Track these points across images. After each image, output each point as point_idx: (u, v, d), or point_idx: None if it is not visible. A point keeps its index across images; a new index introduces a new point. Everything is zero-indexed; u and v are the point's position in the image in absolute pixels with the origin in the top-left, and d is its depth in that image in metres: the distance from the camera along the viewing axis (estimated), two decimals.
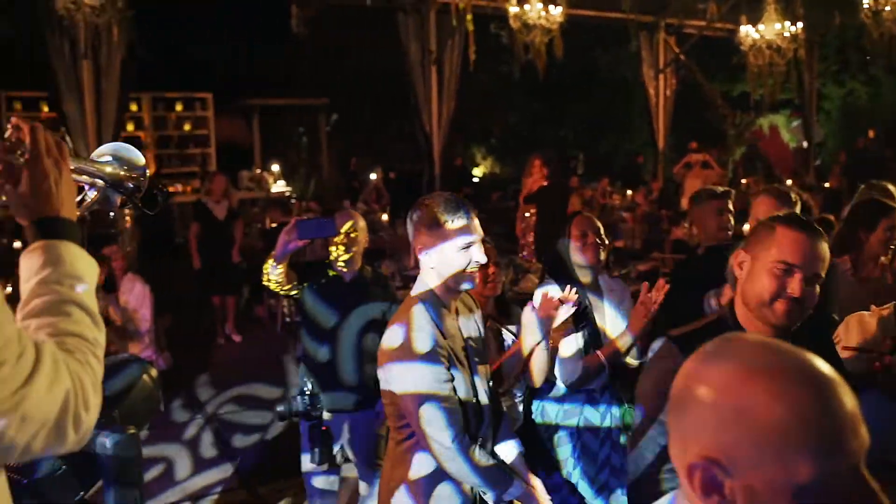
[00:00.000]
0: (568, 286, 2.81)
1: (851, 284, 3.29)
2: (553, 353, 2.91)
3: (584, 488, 3.01)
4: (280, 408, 3.25)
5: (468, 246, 2.24)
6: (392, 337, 2.26)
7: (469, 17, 9.27)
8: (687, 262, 4.60)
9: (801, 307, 1.84)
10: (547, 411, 3.10)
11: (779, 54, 11.04)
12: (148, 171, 1.56)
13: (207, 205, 7.71)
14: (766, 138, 17.08)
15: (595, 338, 3.06)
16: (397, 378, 2.24)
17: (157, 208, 1.61)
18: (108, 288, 5.78)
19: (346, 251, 3.50)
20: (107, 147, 1.57)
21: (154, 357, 5.85)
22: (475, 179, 17.57)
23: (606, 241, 3.18)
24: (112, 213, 1.63)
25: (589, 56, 16.68)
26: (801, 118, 14.59)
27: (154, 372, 2.73)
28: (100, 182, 1.51)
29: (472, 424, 2.29)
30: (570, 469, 3.03)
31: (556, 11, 9.42)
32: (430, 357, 2.19)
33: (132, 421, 2.51)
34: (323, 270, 3.57)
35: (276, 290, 3.53)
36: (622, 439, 3.05)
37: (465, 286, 2.30)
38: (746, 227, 4.32)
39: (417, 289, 2.34)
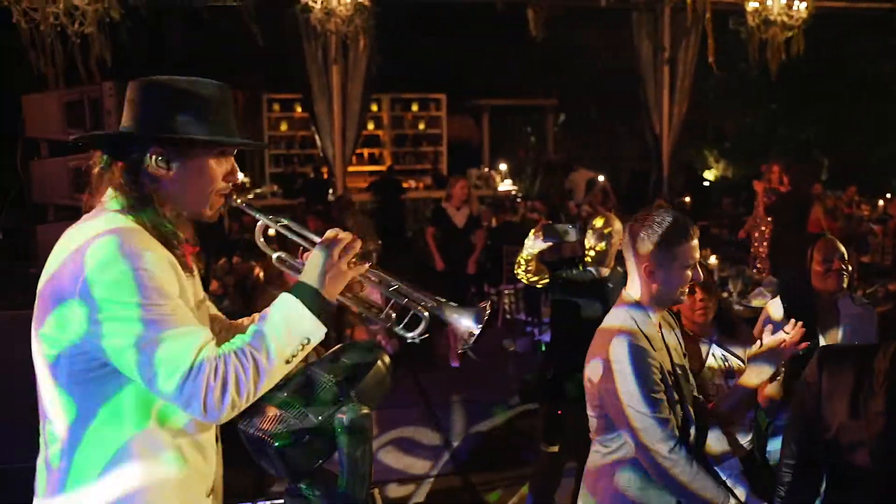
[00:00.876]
0: (791, 321, 2.40)
1: None
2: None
3: None
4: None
5: (690, 267, 2.26)
6: (605, 346, 2.27)
7: (708, 15, 8.89)
8: None
9: None
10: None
11: None
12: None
13: (447, 210, 7.34)
14: None
15: None
16: (610, 388, 2.24)
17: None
18: None
19: (599, 250, 3.63)
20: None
21: (385, 341, 6.25)
22: (705, 183, 16.84)
23: (850, 267, 2.99)
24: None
25: (835, 50, 15.27)
26: None
27: (387, 358, 2.96)
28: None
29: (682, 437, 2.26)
30: None
31: (801, 6, 8.77)
32: (643, 368, 2.19)
33: (365, 401, 2.75)
34: (575, 266, 3.72)
35: (525, 280, 3.73)
36: None
37: (676, 303, 2.36)
38: None
39: (629, 299, 2.35)
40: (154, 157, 1.66)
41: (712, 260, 6.04)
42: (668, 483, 2.19)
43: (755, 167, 12.42)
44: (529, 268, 3.67)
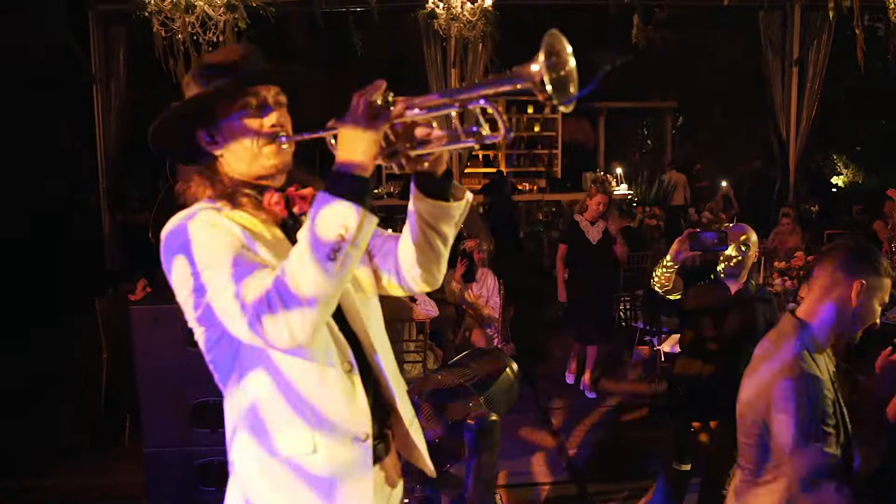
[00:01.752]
0: None
1: None
2: None
3: None
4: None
5: (882, 304, 2.21)
6: (774, 373, 2.20)
7: (856, 9, 8.39)
8: None
9: None
10: None
11: None
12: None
13: (580, 224, 6.20)
14: None
15: None
16: (778, 418, 2.16)
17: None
18: (467, 278, 6.39)
19: (735, 263, 3.54)
20: None
21: (501, 345, 6.30)
22: (833, 190, 16.06)
23: None
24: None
25: None
26: None
27: (515, 366, 3.02)
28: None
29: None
30: None
31: None
32: (816, 401, 2.11)
33: (494, 408, 2.80)
34: (708, 276, 3.65)
35: (660, 292, 3.67)
36: None
37: (852, 336, 2.26)
38: None
39: (804, 324, 2.26)
40: (201, 137, 1.76)
41: None
42: None
43: (889, 174, 11.73)
44: (668, 278, 3.59)
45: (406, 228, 1.81)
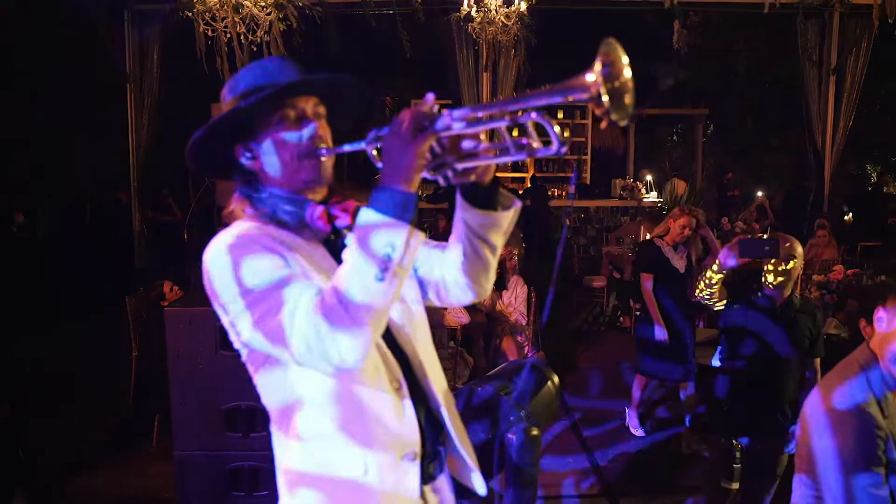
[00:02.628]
0: None
1: None
2: None
3: None
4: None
5: None
6: (830, 394, 2.15)
7: None
8: None
9: None
10: None
11: None
12: None
13: (662, 250, 5.44)
14: None
15: None
16: (827, 447, 2.12)
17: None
18: (497, 286, 6.32)
19: (780, 275, 3.43)
20: None
21: (531, 353, 6.22)
22: (867, 199, 15.76)
23: None
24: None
25: None
26: None
27: (556, 379, 2.93)
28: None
29: None
30: None
31: None
32: (869, 438, 2.05)
33: (535, 422, 2.73)
34: (752, 289, 3.56)
35: (705, 302, 3.59)
36: None
37: None
38: None
39: (870, 357, 2.20)
40: (239, 152, 1.69)
41: None
42: None
43: None
44: (714, 288, 3.50)
45: (453, 238, 1.75)
